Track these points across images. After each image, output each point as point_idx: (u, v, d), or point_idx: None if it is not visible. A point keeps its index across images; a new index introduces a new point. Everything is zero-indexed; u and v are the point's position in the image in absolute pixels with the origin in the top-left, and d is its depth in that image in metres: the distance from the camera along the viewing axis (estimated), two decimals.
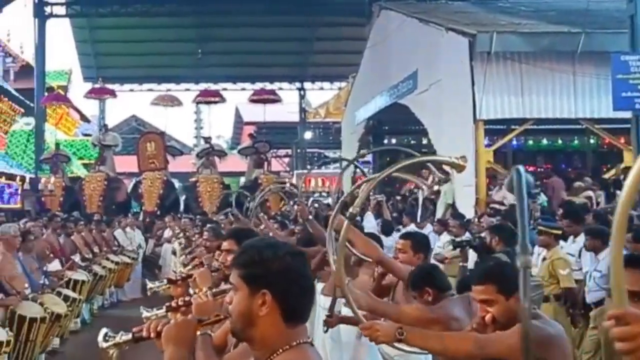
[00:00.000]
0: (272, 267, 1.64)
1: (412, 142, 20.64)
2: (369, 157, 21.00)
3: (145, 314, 3.19)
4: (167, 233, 13.47)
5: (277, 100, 21.07)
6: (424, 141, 17.59)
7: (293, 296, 1.66)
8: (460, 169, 2.82)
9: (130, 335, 2.09)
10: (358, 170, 7.79)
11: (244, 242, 1.86)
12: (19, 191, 19.84)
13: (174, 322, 1.99)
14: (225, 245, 3.36)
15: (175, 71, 31.19)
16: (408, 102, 15.72)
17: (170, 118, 25.47)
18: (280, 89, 28.08)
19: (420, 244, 4.15)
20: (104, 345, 2.08)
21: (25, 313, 6.05)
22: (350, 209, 2.88)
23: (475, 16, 14.81)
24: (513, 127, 13.77)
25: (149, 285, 3.41)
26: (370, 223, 9.41)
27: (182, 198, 19.32)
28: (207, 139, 21.04)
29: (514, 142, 16.44)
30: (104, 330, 2.11)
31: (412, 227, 9.57)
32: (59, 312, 6.81)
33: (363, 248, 4.03)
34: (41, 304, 6.50)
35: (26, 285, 6.71)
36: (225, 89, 30.06)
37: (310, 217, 5.53)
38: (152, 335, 2.05)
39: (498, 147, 13.59)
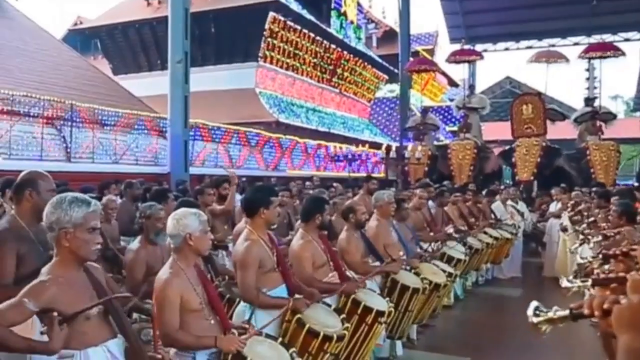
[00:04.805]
0: None
1: None
2: None
3: (565, 283, 3.18)
4: (554, 207, 13.03)
5: None
6: None
7: None
8: None
9: (567, 312, 2.04)
10: None
11: None
12: (383, 160, 21.30)
13: (628, 302, 1.74)
14: None
15: (560, 23, 30.02)
16: None
17: (554, 78, 24.57)
18: None
19: None
20: (535, 320, 2.08)
21: (407, 283, 6.25)
22: None
23: None
24: None
25: (564, 284, 3.19)
26: None
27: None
28: (590, 101, 20.11)
29: None
30: (534, 304, 2.09)
31: None
32: (438, 282, 6.91)
33: None
34: (417, 274, 6.68)
35: (401, 252, 6.96)
36: (627, 40, 27.98)
37: None
38: (597, 313, 1.88)
39: None
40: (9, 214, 3.94)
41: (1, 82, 17.19)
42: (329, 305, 4.93)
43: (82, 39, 36.55)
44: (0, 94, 15.35)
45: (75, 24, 38.71)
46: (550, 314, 2.05)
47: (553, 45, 29.24)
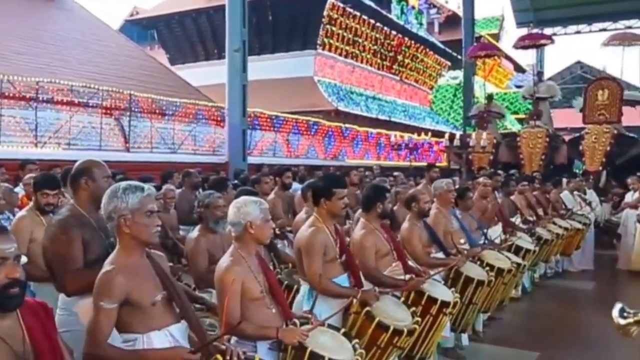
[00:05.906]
0: None
1: None
2: None
3: None
4: (630, 197, 12.66)
5: None
6: None
7: None
8: None
9: None
10: None
11: None
12: (446, 148, 21.04)
13: None
14: None
15: (638, 3, 29.09)
16: None
17: (630, 61, 23.78)
18: None
19: None
20: (622, 322, 2.01)
21: (472, 274, 6.17)
22: None
23: None
24: None
25: None
26: None
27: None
28: None
29: None
30: (619, 305, 2.05)
31: None
32: (501, 267, 6.81)
33: None
34: (480, 261, 6.62)
35: (462, 240, 6.88)
36: None
37: None
38: None
39: None
40: (68, 203, 4.01)
41: (60, 73, 17.63)
42: (398, 298, 4.90)
43: (139, 29, 37.25)
44: (59, 85, 15.72)
45: (132, 15, 39.46)
46: None
47: (630, 27, 28.29)
